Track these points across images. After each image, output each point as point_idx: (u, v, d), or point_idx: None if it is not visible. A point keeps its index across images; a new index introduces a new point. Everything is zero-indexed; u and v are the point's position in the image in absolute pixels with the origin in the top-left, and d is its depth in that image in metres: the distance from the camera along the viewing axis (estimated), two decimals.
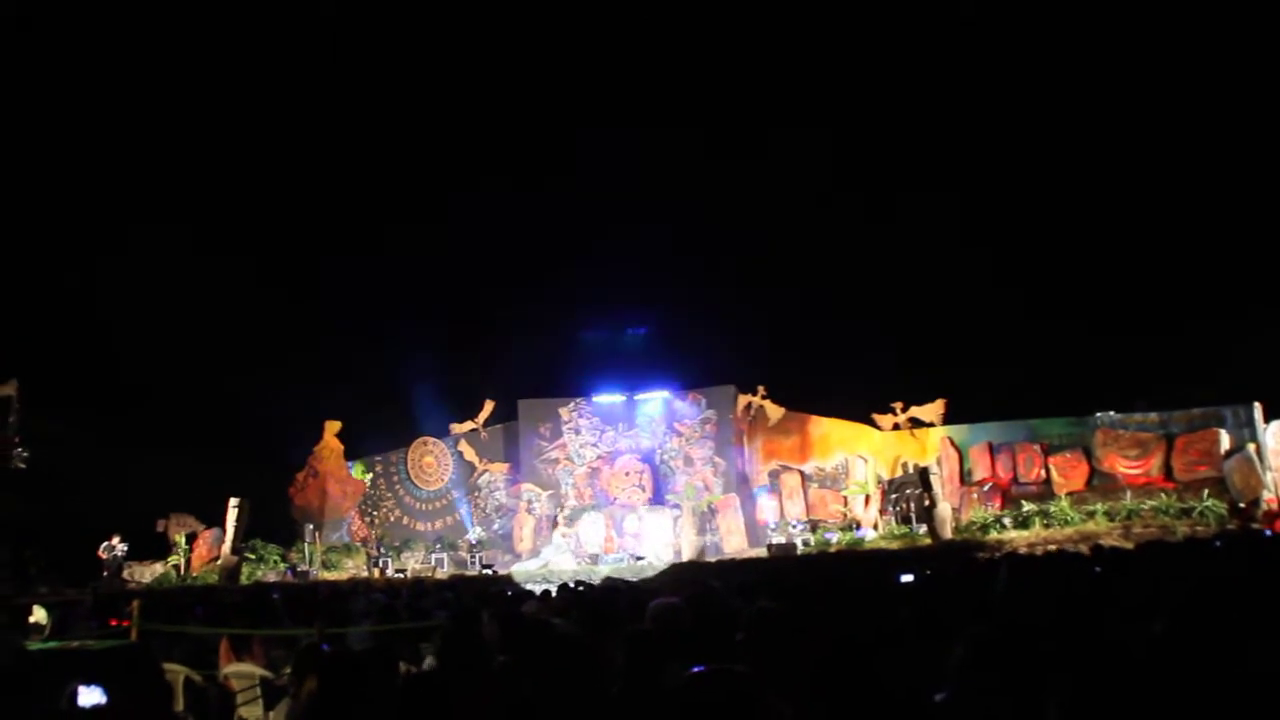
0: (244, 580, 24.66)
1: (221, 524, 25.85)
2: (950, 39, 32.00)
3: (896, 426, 27.67)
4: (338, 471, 30.07)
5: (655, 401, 31.29)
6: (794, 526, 26.30)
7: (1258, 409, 23.42)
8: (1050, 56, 31.27)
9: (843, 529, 25.63)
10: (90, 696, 2.42)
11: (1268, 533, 17.44)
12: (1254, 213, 27.90)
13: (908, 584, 7.99)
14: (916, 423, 27.33)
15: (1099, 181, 30.86)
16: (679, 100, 35.41)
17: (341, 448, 30.35)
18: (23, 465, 20.75)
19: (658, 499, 29.76)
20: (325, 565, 27.09)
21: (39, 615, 8.89)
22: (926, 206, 31.89)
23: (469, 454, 31.83)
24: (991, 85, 31.47)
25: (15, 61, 27.45)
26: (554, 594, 10.25)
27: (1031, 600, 5.24)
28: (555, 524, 28.45)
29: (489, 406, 31.95)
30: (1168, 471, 23.67)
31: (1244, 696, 2.62)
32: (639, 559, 25.19)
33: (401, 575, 24.71)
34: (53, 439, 23.09)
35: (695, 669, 3.01)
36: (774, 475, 29.36)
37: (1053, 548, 17.60)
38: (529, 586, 17.38)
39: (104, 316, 28.87)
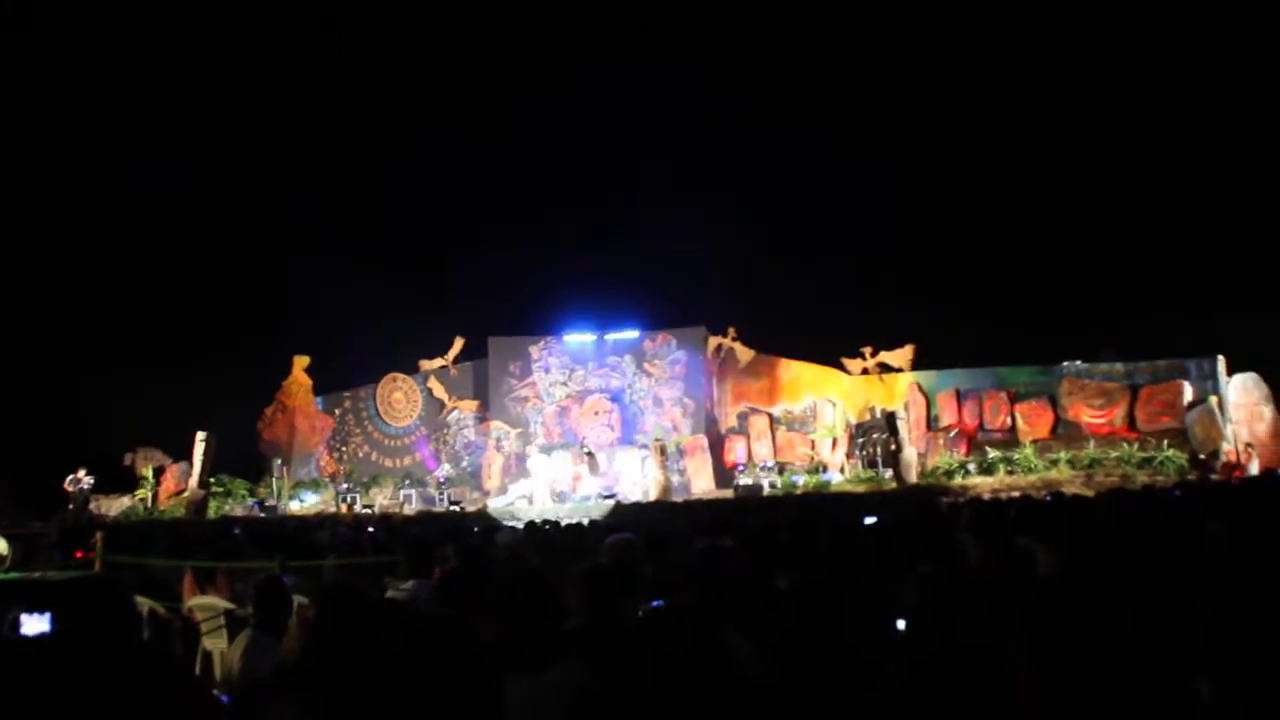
0: (211, 514, 24.65)
1: (189, 458, 25.78)
2: None
3: (865, 371, 27.75)
4: (306, 407, 29.98)
5: (625, 341, 31.25)
6: (762, 468, 26.51)
7: (1221, 362, 23.70)
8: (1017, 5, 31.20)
9: (809, 471, 25.82)
10: (35, 625, 2.39)
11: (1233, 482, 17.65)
12: (1225, 166, 28.02)
13: (871, 525, 8.08)
14: (885, 368, 27.42)
15: (1070, 131, 30.90)
16: (668, 38, 35.16)
17: (310, 382, 30.22)
18: None
19: (627, 439, 29.85)
20: (293, 500, 27.09)
21: (0, 546, 8.83)
22: (898, 151, 31.88)
23: (438, 391, 31.75)
24: (959, 32, 31.34)
25: None
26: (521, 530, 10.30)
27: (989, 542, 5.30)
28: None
29: (458, 343, 31.81)
30: (1131, 421, 23.94)
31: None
32: (608, 497, 25.31)
33: (369, 511, 24.74)
34: (17, 370, 22.92)
35: (654, 604, 3.02)
36: (742, 417, 29.49)
37: (1015, 494, 17.81)
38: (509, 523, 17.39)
39: (66, 247, 28.53)
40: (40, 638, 2.38)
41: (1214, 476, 20.45)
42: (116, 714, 2.29)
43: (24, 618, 2.40)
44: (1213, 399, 23.19)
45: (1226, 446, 22.49)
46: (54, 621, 2.40)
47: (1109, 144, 29.85)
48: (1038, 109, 31.23)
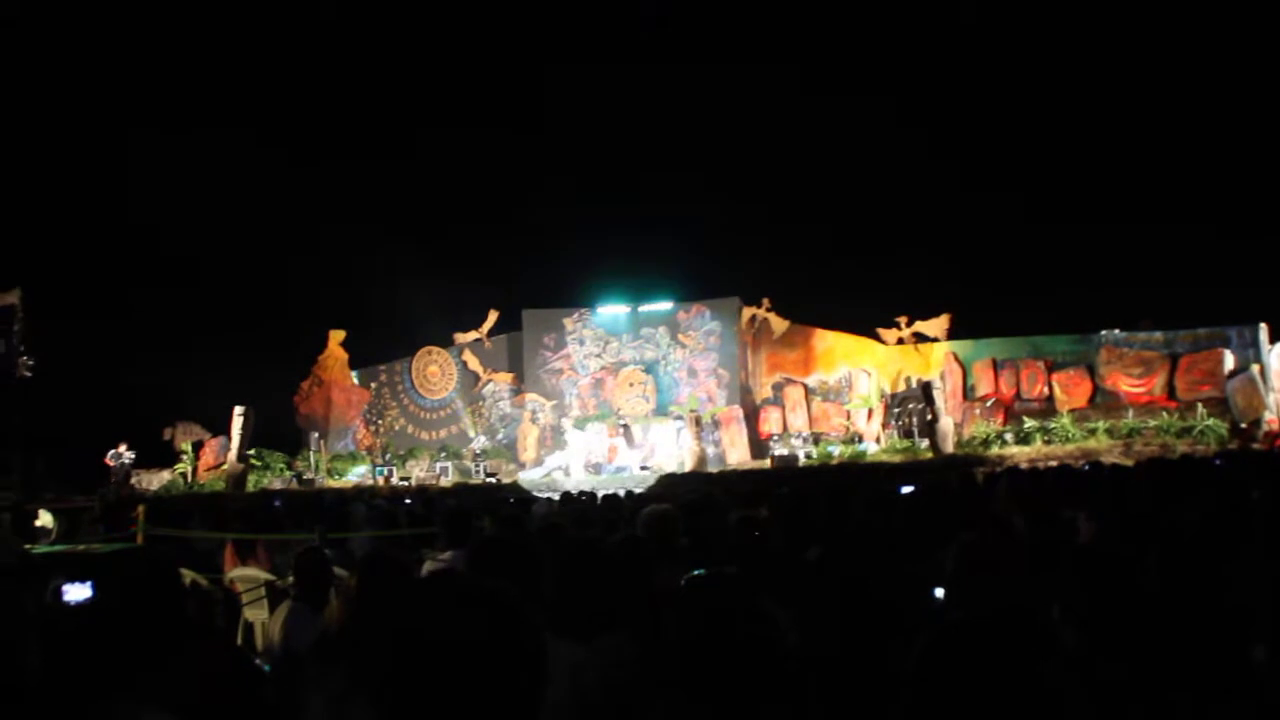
0: (250, 488, 24.90)
1: (227, 432, 26.04)
2: None
3: (901, 341, 27.56)
4: (342, 380, 30.19)
5: (659, 313, 31.18)
6: (797, 439, 26.43)
7: (1263, 330, 23.33)
8: None
9: (845, 442, 25.72)
10: (77, 593, 2.42)
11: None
12: (1266, 133, 27.56)
13: (908, 494, 8.04)
14: (921, 337, 27.22)
15: (1107, 99, 30.48)
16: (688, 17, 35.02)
17: (346, 356, 30.41)
18: (28, 374, 20.82)
19: (661, 410, 29.83)
20: (330, 473, 27.32)
21: (45, 519, 8.98)
22: (933, 121, 31.60)
23: (473, 364, 31.85)
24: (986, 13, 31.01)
25: None
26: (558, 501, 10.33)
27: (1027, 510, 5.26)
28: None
29: (493, 316, 31.85)
30: (1171, 390, 23.66)
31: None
32: (644, 468, 25.37)
33: (406, 484, 24.93)
34: (59, 347, 23.18)
35: (695, 572, 3.02)
36: (777, 388, 29.39)
37: (1053, 464, 17.66)
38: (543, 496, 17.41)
39: (110, 223, 28.82)
40: (83, 604, 2.41)
41: (1255, 445, 20.21)
42: (161, 679, 2.31)
43: (67, 586, 2.43)
44: (1254, 367, 22.85)
45: (1268, 415, 22.17)
46: (96, 589, 2.43)
47: (1147, 111, 29.42)
48: (1071, 76, 30.83)
